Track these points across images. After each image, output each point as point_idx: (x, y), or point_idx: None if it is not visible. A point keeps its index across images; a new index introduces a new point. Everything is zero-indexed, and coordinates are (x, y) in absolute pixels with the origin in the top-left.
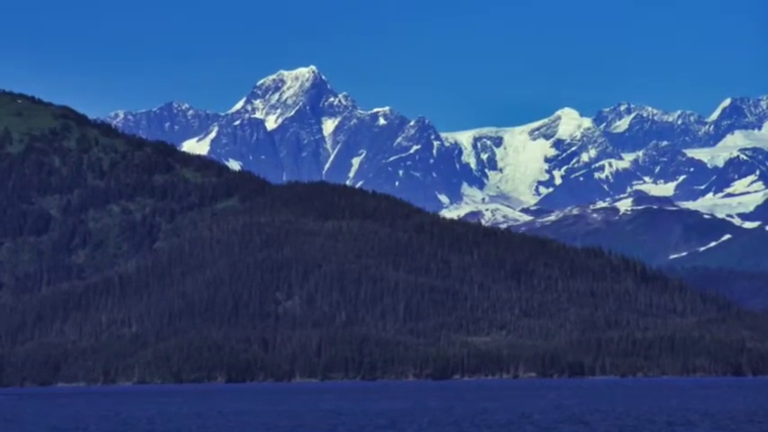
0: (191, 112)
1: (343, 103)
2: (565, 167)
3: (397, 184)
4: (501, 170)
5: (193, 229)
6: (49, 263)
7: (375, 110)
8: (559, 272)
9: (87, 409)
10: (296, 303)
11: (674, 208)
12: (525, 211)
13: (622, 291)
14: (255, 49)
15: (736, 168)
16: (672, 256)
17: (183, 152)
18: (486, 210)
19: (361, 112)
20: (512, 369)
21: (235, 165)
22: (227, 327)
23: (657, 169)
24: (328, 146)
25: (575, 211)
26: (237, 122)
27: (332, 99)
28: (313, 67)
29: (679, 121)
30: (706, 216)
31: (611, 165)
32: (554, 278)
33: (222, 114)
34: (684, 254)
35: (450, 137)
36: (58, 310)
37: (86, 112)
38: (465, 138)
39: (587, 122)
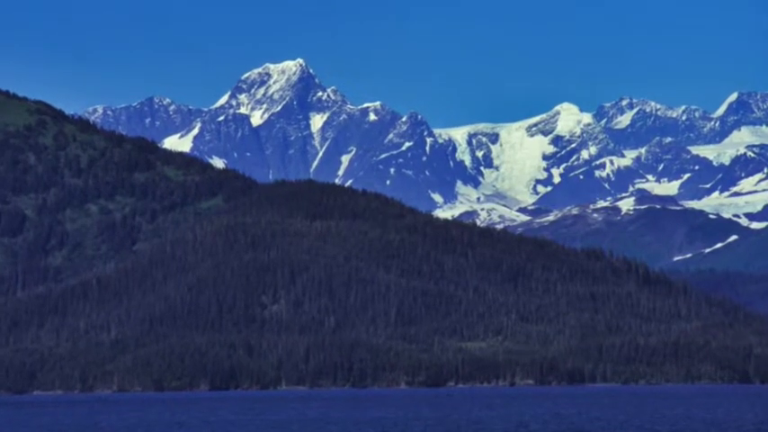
0: (172, 107)
1: (332, 97)
2: (564, 165)
3: (388, 182)
4: (497, 168)
5: (175, 230)
6: (24, 265)
7: (365, 105)
8: (558, 274)
9: (65, 417)
10: (282, 307)
11: (679, 207)
12: (522, 210)
13: (624, 294)
14: (240, 41)
15: (743, 166)
16: (676, 258)
17: (165, 149)
18: (482, 209)
19: (351, 107)
20: (508, 376)
21: (219, 162)
22: (210, 332)
23: (661, 167)
24: (316, 143)
25: (574, 211)
26: (221, 118)
27: (320, 94)
28: (300, 61)
29: (683, 117)
30: (712, 216)
31: (612, 162)
32: (552, 281)
33: (205, 110)
34: (689, 255)
35: (443, 133)
36: (33, 315)
37: (63, 107)
38: (459, 134)
39: (587, 118)
